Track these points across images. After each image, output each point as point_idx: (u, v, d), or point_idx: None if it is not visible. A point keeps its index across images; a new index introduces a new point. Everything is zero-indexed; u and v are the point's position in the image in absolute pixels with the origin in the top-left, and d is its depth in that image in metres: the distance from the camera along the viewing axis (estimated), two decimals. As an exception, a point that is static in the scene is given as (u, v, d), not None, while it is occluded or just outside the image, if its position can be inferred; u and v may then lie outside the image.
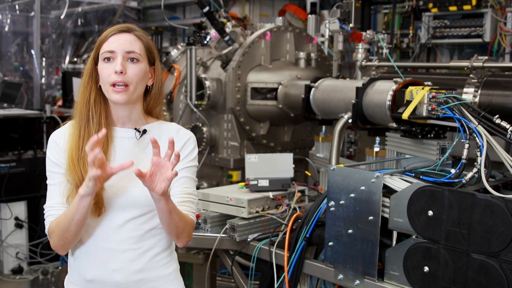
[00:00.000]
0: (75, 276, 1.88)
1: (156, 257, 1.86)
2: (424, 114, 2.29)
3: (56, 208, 1.78)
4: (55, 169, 1.81)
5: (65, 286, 1.93)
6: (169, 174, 1.61)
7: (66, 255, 1.89)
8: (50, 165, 1.83)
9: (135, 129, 1.86)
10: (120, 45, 1.78)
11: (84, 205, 1.67)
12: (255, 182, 2.91)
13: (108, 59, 1.78)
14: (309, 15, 5.05)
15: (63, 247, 1.79)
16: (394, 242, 2.21)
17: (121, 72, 1.75)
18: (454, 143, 2.27)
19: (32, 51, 7.22)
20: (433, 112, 2.27)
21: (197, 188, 2.01)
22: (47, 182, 1.84)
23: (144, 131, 1.87)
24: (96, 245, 1.82)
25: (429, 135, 2.42)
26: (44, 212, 1.82)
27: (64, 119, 5.38)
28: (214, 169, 3.85)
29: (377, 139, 2.90)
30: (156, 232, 1.84)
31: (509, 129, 2.11)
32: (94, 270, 1.82)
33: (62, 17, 7.61)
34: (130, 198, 1.79)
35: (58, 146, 1.82)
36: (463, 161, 2.12)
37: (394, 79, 2.67)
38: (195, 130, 3.73)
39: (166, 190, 1.64)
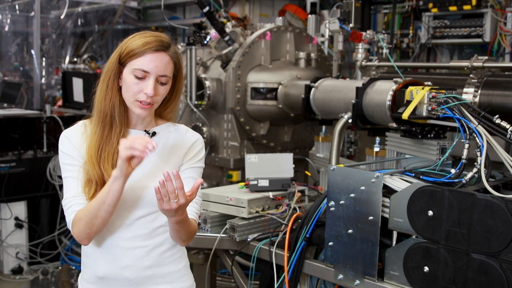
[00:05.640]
0: (87, 273, 1.91)
1: (165, 253, 1.89)
2: (424, 114, 2.28)
3: (78, 197, 1.79)
4: (70, 161, 1.82)
5: (79, 283, 1.97)
6: (175, 204, 1.63)
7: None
8: (64, 158, 1.84)
9: (145, 131, 1.89)
10: (156, 68, 1.77)
11: (116, 188, 1.69)
12: (255, 182, 2.91)
13: (140, 76, 1.77)
14: (309, 15, 5.05)
15: (89, 236, 1.78)
16: (394, 242, 2.21)
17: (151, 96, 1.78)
18: (454, 143, 2.27)
19: (32, 51, 7.22)
20: (433, 112, 2.27)
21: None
22: (63, 175, 1.84)
23: (154, 134, 1.90)
24: (107, 243, 1.85)
25: (429, 135, 2.42)
26: (64, 204, 1.81)
27: (64, 119, 5.38)
28: (214, 169, 3.85)
29: (377, 139, 2.90)
30: (164, 230, 1.87)
31: (509, 129, 2.10)
32: (105, 267, 1.86)
33: (62, 17, 7.62)
34: (138, 197, 1.82)
35: (70, 141, 1.84)
36: (463, 161, 2.12)
37: (394, 79, 2.67)
38: (195, 130, 3.72)
39: (174, 211, 1.66)
